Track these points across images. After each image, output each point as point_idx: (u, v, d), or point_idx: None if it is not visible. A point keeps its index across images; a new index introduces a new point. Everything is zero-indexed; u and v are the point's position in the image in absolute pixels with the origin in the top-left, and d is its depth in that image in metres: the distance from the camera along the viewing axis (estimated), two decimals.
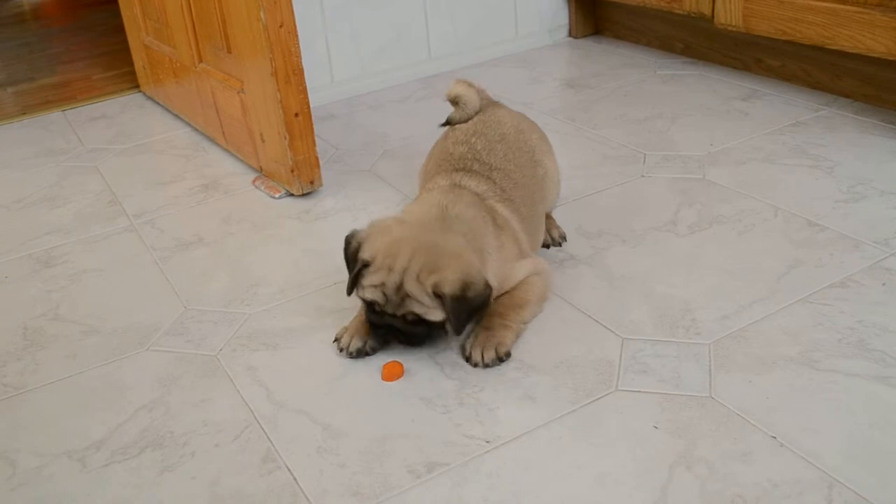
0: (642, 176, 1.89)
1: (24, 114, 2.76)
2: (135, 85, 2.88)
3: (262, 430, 1.24)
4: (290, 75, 1.83)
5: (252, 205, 1.95)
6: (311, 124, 1.90)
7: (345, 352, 1.36)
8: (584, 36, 2.93)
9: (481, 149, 1.52)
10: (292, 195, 1.96)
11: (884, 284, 1.42)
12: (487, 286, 1.28)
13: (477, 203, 1.40)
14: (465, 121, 1.60)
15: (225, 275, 1.67)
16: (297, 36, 1.81)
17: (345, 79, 2.58)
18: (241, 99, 2.01)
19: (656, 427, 1.17)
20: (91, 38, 3.73)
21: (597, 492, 1.07)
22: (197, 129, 2.43)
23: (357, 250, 1.32)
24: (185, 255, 1.76)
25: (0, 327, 1.57)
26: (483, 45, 2.78)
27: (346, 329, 1.39)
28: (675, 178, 1.86)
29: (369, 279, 1.29)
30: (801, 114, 2.12)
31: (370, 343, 1.35)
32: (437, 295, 1.25)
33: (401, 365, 1.32)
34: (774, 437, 1.13)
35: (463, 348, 1.34)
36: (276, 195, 1.97)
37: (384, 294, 1.28)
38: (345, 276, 1.39)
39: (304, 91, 1.86)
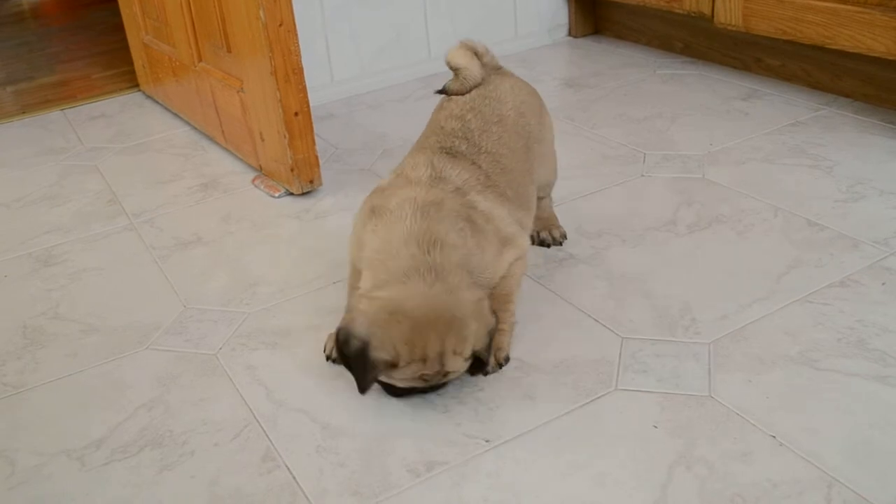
0: (642, 175, 1.89)
1: (24, 113, 2.76)
2: (134, 84, 2.88)
3: (262, 429, 1.24)
4: (290, 74, 1.83)
5: (251, 204, 1.95)
6: (311, 123, 1.90)
7: (331, 360, 1.35)
8: (584, 35, 2.93)
9: (475, 128, 1.42)
10: (292, 194, 1.96)
11: (883, 284, 1.42)
12: (494, 314, 1.26)
13: (454, 211, 1.28)
14: (463, 94, 1.49)
15: (224, 274, 1.66)
16: (296, 35, 1.81)
17: (344, 78, 2.58)
18: (241, 98, 2.01)
19: (656, 427, 1.17)
20: (90, 37, 3.73)
21: (596, 491, 1.07)
22: (196, 128, 2.43)
23: (364, 351, 1.17)
24: (184, 254, 1.76)
25: (0, 326, 1.57)
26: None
27: (331, 336, 1.37)
28: (675, 177, 1.86)
29: (401, 374, 1.19)
30: (800, 113, 2.12)
31: None
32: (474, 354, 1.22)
33: None
34: (774, 437, 1.13)
35: None
36: (276, 194, 1.97)
37: (425, 380, 1.21)
38: (344, 274, 1.38)
39: (304, 90, 1.86)
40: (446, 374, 1.21)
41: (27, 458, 1.23)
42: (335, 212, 1.87)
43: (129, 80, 2.92)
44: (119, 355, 1.44)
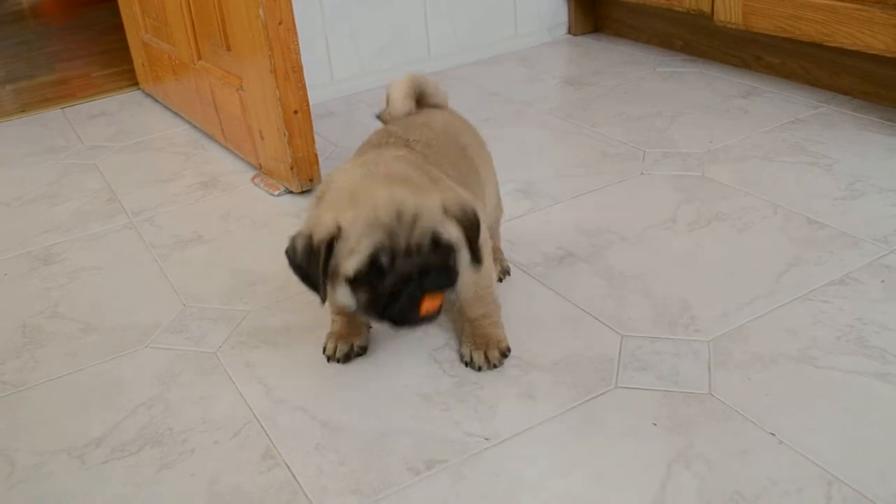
0: (642, 173, 1.89)
1: (24, 111, 2.76)
2: (134, 82, 2.88)
3: (262, 427, 1.24)
4: (290, 72, 1.83)
5: (251, 202, 1.95)
6: (311, 122, 1.90)
7: (332, 359, 1.36)
8: (584, 34, 2.93)
9: (397, 130, 1.35)
10: (291, 192, 1.96)
11: (883, 282, 1.42)
12: (475, 208, 1.16)
13: (412, 162, 1.21)
14: (389, 122, 1.43)
15: (224, 272, 1.66)
16: (296, 33, 1.81)
17: (344, 77, 2.58)
18: (241, 96, 2.01)
19: (655, 424, 1.17)
20: (90, 36, 3.73)
21: (595, 489, 1.07)
22: (196, 127, 2.43)
23: (308, 242, 1.08)
24: (184, 253, 1.76)
25: None
26: (482, 43, 2.78)
27: (329, 335, 1.38)
28: (675, 175, 1.86)
29: (357, 256, 1.07)
30: (800, 111, 2.12)
31: (357, 343, 1.35)
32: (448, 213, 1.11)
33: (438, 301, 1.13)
34: (773, 434, 1.13)
35: (461, 356, 1.33)
36: (276, 192, 1.97)
37: (391, 247, 1.07)
38: None
39: (304, 88, 1.86)
40: (417, 228, 1.04)
41: (27, 457, 1.23)
42: None
43: (129, 78, 2.92)
44: (119, 354, 1.44)
